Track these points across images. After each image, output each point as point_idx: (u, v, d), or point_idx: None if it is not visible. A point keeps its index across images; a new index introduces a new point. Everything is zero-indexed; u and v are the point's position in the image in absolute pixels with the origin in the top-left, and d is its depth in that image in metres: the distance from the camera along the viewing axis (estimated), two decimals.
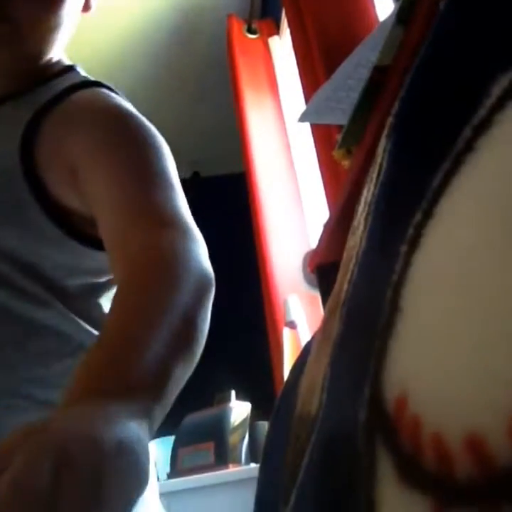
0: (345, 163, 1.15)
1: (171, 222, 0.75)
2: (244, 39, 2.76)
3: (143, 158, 0.83)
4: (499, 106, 0.28)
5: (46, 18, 0.92)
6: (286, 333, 2.00)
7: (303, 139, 2.48)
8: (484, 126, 0.29)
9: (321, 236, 1.26)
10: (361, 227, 0.45)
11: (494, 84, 0.29)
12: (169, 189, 0.84)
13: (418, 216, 0.32)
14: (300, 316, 1.96)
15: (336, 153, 1.16)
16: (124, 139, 0.85)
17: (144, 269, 0.65)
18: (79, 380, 0.53)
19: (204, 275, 0.68)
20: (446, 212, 0.30)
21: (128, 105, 0.93)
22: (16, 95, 0.96)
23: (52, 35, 0.95)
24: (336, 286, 0.51)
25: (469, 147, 0.30)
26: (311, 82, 1.68)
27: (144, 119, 0.91)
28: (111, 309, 0.63)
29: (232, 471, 1.91)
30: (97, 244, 0.86)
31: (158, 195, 0.79)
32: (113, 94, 0.96)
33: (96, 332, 0.89)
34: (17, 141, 0.85)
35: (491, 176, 0.28)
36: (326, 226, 1.24)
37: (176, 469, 2.05)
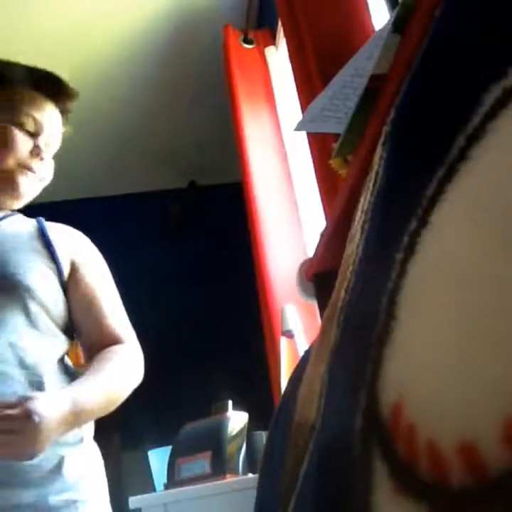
0: (342, 172, 1.16)
1: (126, 337, 1.30)
2: (240, 49, 2.77)
3: (108, 280, 1.37)
4: (492, 114, 0.28)
5: None
6: (284, 342, 2.00)
7: (299, 148, 2.48)
8: (478, 134, 0.29)
9: (318, 245, 1.26)
10: (358, 235, 0.45)
11: (487, 93, 0.29)
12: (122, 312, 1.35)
13: (413, 224, 0.33)
14: (297, 326, 1.96)
15: (333, 162, 1.16)
16: (102, 264, 1.38)
17: (105, 360, 1.22)
18: (67, 390, 1.13)
19: (134, 376, 1.28)
20: (440, 220, 0.30)
21: None
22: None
23: None
24: (334, 294, 0.51)
25: (463, 156, 0.30)
26: (307, 91, 1.69)
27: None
28: (87, 371, 1.19)
29: (229, 481, 1.90)
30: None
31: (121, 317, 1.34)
32: None
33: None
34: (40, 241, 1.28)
35: (485, 185, 0.28)
36: (322, 235, 1.24)
37: (173, 479, 2.05)
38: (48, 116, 1.30)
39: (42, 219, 1.35)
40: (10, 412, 0.97)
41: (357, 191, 0.55)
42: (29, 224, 1.32)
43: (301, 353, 0.68)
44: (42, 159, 1.26)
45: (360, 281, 0.41)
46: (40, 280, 1.20)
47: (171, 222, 3.86)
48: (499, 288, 0.24)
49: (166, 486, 2.08)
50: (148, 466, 2.34)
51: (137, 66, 3.14)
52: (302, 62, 1.73)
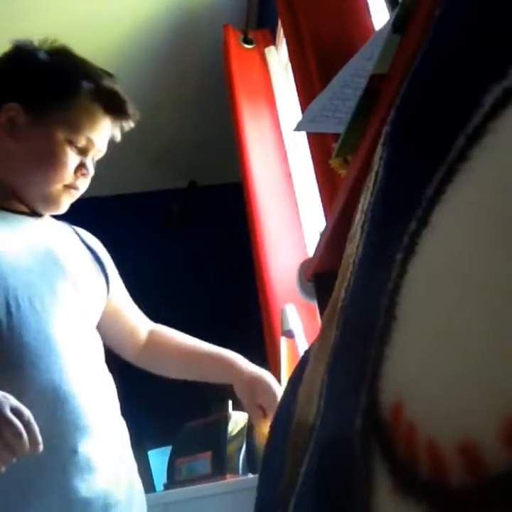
0: (342, 172, 1.15)
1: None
2: (240, 49, 2.77)
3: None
4: (492, 115, 0.28)
5: None
6: (284, 342, 1.99)
7: (299, 148, 2.48)
8: (478, 134, 0.29)
9: (318, 245, 1.26)
10: (358, 235, 0.45)
11: (487, 93, 0.29)
12: None
13: (413, 224, 0.33)
14: (297, 326, 1.96)
15: (333, 162, 1.16)
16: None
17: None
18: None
19: None
20: (440, 220, 0.30)
21: None
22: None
23: None
24: (334, 294, 0.51)
25: (463, 156, 0.30)
26: (307, 91, 1.68)
27: None
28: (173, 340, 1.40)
29: (229, 481, 1.90)
30: None
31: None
32: None
33: None
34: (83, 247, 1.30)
35: (485, 185, 0.28)
36: (322, 235, 1.24)
37: (174, 480, 2.04)
38: (102, 135, 1.24)
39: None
40: None
41: (357, 191, 0.55)
42: (66, 228, 1.33)
43: (301, 353, 0.68)
44: (86, 177, 1.22)
45: (360, 282, 0.41)
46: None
47: (171, 222, 3.86)
48: (499, 288, 0.24)
49: (166, 486, 2.08)
50: (148, 466, 2.33)
51: (137, 66, 3.14)
52: (302, 62, 1.73)
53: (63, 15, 2.69)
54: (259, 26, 2.92)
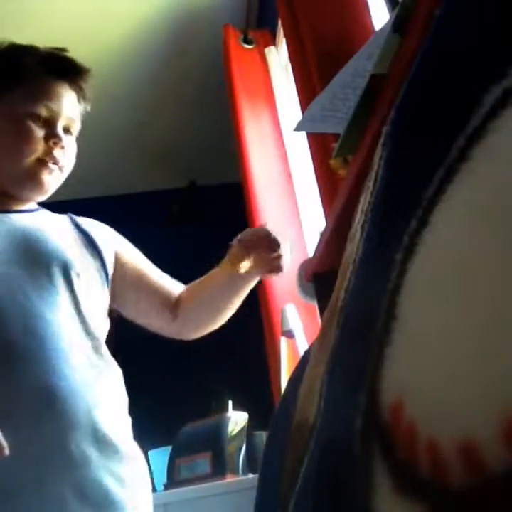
0: (342, 172, 1.16)
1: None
2: (240, 49, 2.77)
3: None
4: (492, 115, 0.28)
5: None
6: (284, 342, 2.00)
7: (299, 148, 2.48)
8: (478, 135, 0.29)
9: (318, 245, 1.26)
10: (358, 235, 0.45)
11: (487, 94, 0.29)
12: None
13: (413, 224, 0.33)
14: (297, 326, 1.96)
15: (333, 162, 1.16)
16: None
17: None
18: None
19: None
20: (440, 220, 0.30)
21: None
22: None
23: None
24: (334, 294, 0.51)
25: (463, 156, 0.30)
26: (307, 91, 1.68)
27: None
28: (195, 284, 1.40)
29: (229, 481, 1.90)
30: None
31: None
32: None
33: None
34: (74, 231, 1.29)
35: (485, 185, 0.28)
36: (322, 235, 1.24)
37: (173, 480, 2.05)
38: (63, 100, 1.23)
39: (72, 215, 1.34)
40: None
41: (357, 191, 0.55)
42: (61, 218, 1.31)
43: (301, 353, 0.68)
44: (62, 148, 1.21)
45: (360, 282, 0.41)
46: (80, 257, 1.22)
47: (171, 222, 3.86)
48: (500, 288, 0.24)
49: (166, 486, 2.08)
50: (148, 466, 2.33)
51: (137, 66, 3.14)
52: (302, 62, 1.73)
53: (63, 15, 2.69)
54: (259, 26, 2.92)
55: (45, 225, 1.23)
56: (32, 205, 1.28)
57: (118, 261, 1.33)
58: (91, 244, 1.27)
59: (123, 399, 1.17)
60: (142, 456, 1.18)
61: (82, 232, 1.29)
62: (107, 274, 1.28)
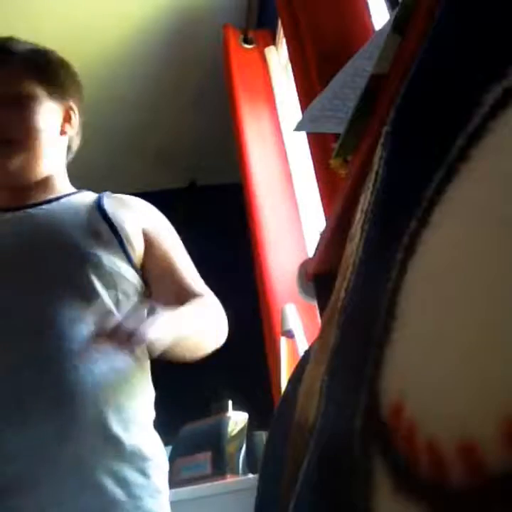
0: (342, 172, 1.16)
1: (204, 292, 1.33)
2: (240, 49, 2.77)
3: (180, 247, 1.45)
4: (492, 115, 0.28)
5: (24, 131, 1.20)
6: (283, 342, 1.99)
7: (299, 148, 2.48)
8: (478, 134, 0.29)
9: (318, 245, 1.26)
10: (358, 235, 0.45)
11: (487, 93, 0.29)
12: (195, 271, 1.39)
13: (413, 224, 0.33)
14: (297, 326, 1.96)
15: (333, 162, 1.16)
16: (171, 231, 1.48)
17: (198, 304, 1.26)
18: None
19: (223, 321, 1.38)
20: (441, 220, 0.30)
21: None
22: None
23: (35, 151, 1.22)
24: (334, 294, 0.51)
25: (463, 156, 0.30)
26: (307, 91, 1.68)
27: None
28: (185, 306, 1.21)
29: (229, 481, 1.90)
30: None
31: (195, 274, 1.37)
32: None
33: None
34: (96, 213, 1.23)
35: (485, 185, 0.28)
36: (322, 235, 1.24)
37: (173, 480, 2.05)
38: None
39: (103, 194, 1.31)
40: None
41: (357, 191, 0.55)
42: (83, 205, 1.26)
43: (301, 353, 0.68)
44: None
45: (360, 282, 0.41)
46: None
47: (171, 222, 3.86)
48: (500, 288, 0.24)
49: None
50: None
51: (137, 66, 3.14)
52: (302, 62, 1.73)
53: (64, 15, 2.69)
54: (259, 26, 2.92)
55: (59, 219, 1.18)
56: (51, 192, 1.26)
57: (146, 242, 1.29)
58: (112, 228, 1.21)
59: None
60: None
61: (104, 216, 1.23)
62: (128, 257, 1.22)
